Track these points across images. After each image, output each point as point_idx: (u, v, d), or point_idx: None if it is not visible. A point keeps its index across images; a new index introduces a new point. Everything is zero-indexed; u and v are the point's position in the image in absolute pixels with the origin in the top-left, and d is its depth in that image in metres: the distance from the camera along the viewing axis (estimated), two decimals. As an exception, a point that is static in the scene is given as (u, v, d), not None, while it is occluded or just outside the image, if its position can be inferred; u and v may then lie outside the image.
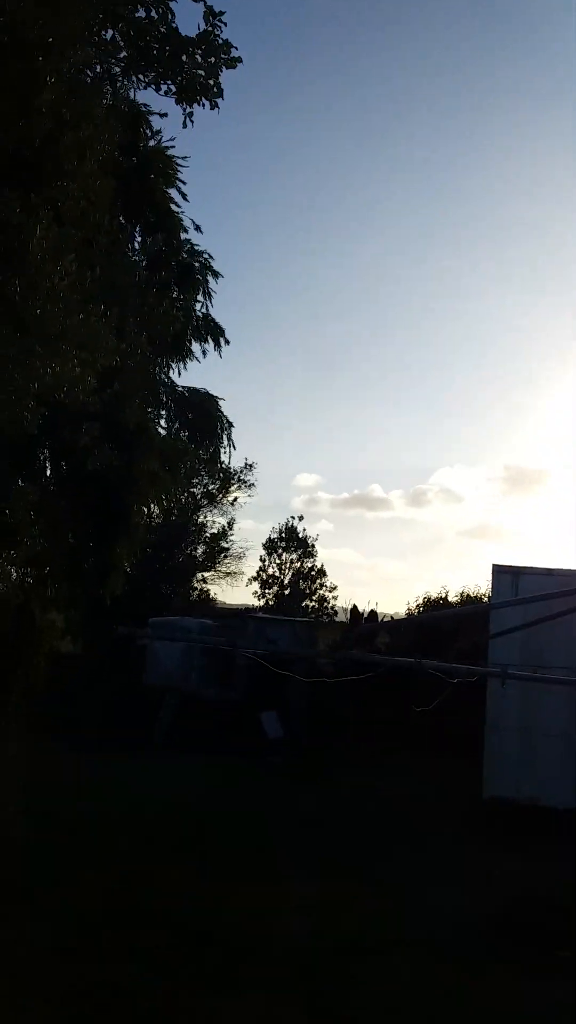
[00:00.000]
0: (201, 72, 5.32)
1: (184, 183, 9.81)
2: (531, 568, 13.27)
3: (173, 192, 9.78)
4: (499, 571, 13.31)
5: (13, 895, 8.24)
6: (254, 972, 6.89)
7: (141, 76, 5.52)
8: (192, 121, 5.55)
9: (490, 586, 14.26)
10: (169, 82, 5.36)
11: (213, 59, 5.29)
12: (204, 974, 6.76)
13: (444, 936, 7.95)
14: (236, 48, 5.59)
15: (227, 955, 7.20)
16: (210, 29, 5.55)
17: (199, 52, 5.27)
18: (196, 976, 6.71)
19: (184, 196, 9.83)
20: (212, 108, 5.43)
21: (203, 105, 5.50)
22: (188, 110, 5.51)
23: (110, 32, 6.70)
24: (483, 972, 7.21)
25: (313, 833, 11.59)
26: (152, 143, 9.61)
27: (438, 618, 18.86)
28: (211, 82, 5.33)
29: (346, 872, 9.83)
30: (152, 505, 9.45)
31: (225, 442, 10.74)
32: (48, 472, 9.02)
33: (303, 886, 9.23)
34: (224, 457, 10.90)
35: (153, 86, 5.47)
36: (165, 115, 9.22)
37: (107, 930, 7.57)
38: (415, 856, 10.74)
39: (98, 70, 7.99)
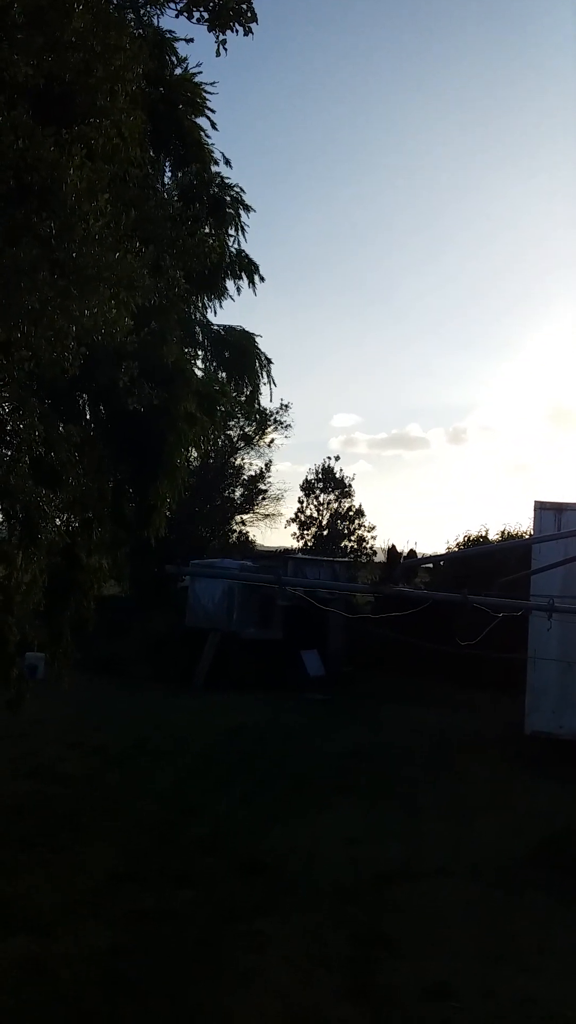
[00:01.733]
0: (232, -5, 5.14)
1: (213, 111, 9.51)
2: (574, 504, 13.14)
3: (203, 122, 9.49)
4: (541, 507, 13.19)
5: (68, 825, 8.55)
6: (300, 898, 7.10)
7: (172, 4, 5.35)
8: (226, 49, 5.37)
9: (531, 523, 14.15)
10: (201, 8, 5.18)
11: (245, -20, 5.10)
12: (252, 901, 6.98)
13: (486, 865, 8.12)
14: (270, -33, 5.37)
15: (274, 882, 7.42)
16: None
17: (231, -26, 5.08)
18: (244, 902, 6.94)
19: (214, 125, 9.52)
20: (246, 34, 5.25)
21: (236, 31, 5.32)
22: (221, 37, 5.33)
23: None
24: (523, 900, 7.36)
25: (356, 764, 11.80)
26: (179, 71, 9.32)
27: (479, 554, 18.80)
28: (244, 6, 5.15)
29: (389, 803, 10.03)
30: (192, 447, 9.41)
31: (264, 379, 10.59)
32: (88, 414, 9.02)
33: (347, 816, 9.45)
34: (264, 396, 10.73)
35: (185, 14, 5.29)
36: (191, 40, 8.88)
37: (158, 858, 7.84)
38: (457, 787, 10.90)
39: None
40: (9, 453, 7.07)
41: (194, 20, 5.31)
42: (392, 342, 74.63)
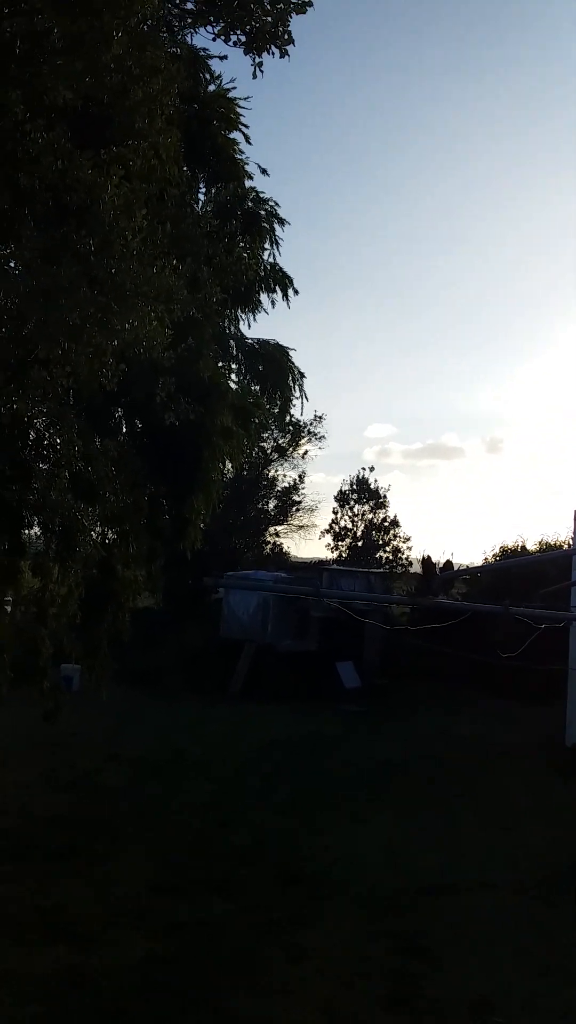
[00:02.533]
0: (269, 19, 5.20)
1: (247, 127, 9.63)
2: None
3: (237, 136, 9.60)
4: (579, 516, 13.09)
5: (106, 836, 8.62)
6: (339, 910, 7.09)
7: (209, 28, 5.42)
8: (262, 71, 5.44)
9: (571, 533, 14.03)
10: (238, 31, 5.25)
11: (282, 4, 5.15)
12: (290, 912, 6.98)
13: (528, 876, 8.04)
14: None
15: (313, 893, 7.41)
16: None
17: (267, -2, 5.15)
18: (283, 913, 6.94)
19: (248, 140, 9.63)
20: (282, 56, 5.31)
21: (272, 54, 5.39)
22: (257, 60, 5.41)
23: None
24: (566, 912, 7.27)
25: (393, 775, 11.75)
26: (212, 88, 9.44)
27: (518, 564, 18.65)
28: (280, 29, 5.21)
29: (427, 813, 9.96)
30: (226, 460, 9.48)
31: (297, 393, 10.65)
32: (124, 429, 9.14)
33: (385, 826, 9.41)
34: (296, 408, 10.79)
35: (222, 37, 5.36)
36: (225, 58, 9.02)
37: (197, 869, 7.86)
38: (497, 798, 10.81)
39: (157, 16, 7.90)
40: (47, 468, 7.20)
41: (231, 43, 5.38)
42: (428, 353, 74.65)
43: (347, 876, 7.86)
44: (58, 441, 6.99)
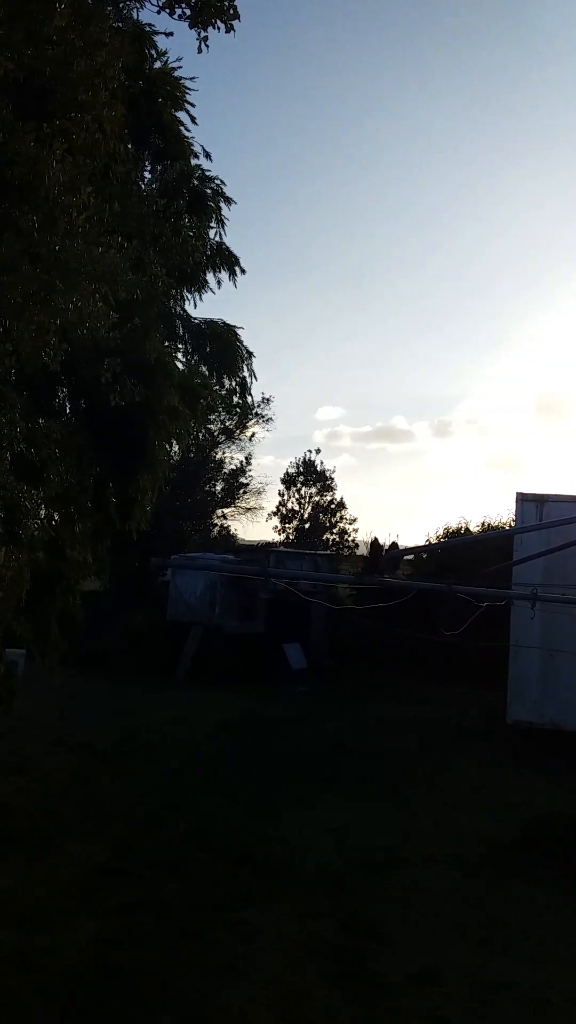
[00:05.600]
0: (213, -8, 5.14)
1: (193, 106, 9.50)
2: (555, 496, 13.26)
3: (182, 116, 9.48)
4: (523, 499, 13.31)
5: (54, 821, 8.55)
6: (287, 889, 7.16)
7: (154, 1, 5.33)
8: (207, 46, 5.37)
9: (513, 515, 14.27)
10: (183, 5, 5.16)
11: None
12: (239, 892, 7.02)
13: (470, 852, 8.21)
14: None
15: (261, 873, 7.46)
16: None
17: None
18: (232, 893, 6.99)
19: (193, 120, 9.51)
20: (228, 31, 5.25)
21: (218, 28, 5.31)
22: (203, 34, 5.33)
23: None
24: (507, 886, 7.46)
25: (341, 757, 11.88)
26: (158, 64, 9.30)
27: (462, 544, 18.92)
28: (226, 3, 5.14)
29: (374, 794, 10.10)
30: (173, 441, 9.40)
31: (246, 372, 10.59)
32: (68, 409, 9.00)
33: (333, 807, 9.52)
34: (250, 387, 10.73)
35: (167, 10, 5.27)
36: (171, 34, 8.87)
37: (146, 852, 7.86)
38: (441, 777, 11.00)
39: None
40: (-11, 449, 7.05)
41: (175, 16, 5.30)
42: (378, 335, 74.90)
43: (295, 856, 7.93)
44: (1, 421, 6.85)
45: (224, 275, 10.28)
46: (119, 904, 6.64)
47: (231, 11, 5.22)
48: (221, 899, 6.85)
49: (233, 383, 10.53)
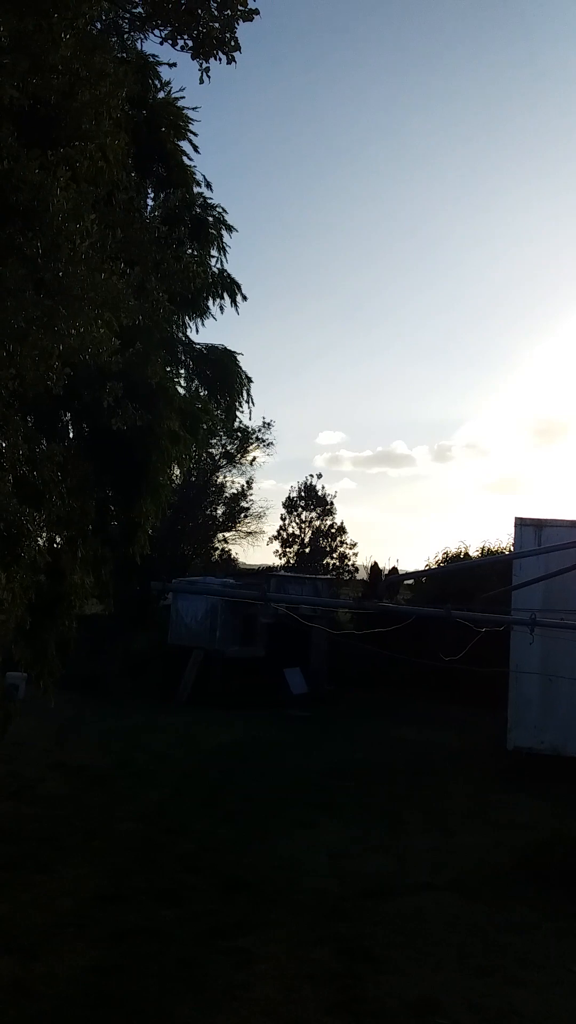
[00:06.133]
0: (216, 25, 5.24)
1: (195, 135, 9.70)
2: (554, 520, 13.28)
3: (185, 145, 9.67)
4: (521, 523, 13.33)
5: (51, 846, 8.51)
6: (284, 915, 7.10)
7: (157, 32, 5.44)
8: (209, 77, 5.46)
9: (512, 539, 14.28)
10: (185, 36, 5.28)
11: (229, 11, 5.20)
12: (235, 918, 6.97)
13: (468, 878, 8.16)
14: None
15: (257, 899, 7.41)
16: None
17: (215, 4, 5.17)
18: (228, 919, 6.93)
19: (196, 148, 9.71)
20: (229, 63, 5.35)
21: (220, 60, 5.43)
22: (204, 65, 5.43)
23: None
24: (506, 912, 7.40)
25: (339, 781, 11.81)
26: (161, 95, 9.49)
27: (461, 570, 18.92)
28: (227, 35, 5.25)
29: (373, 818, 10.05)
30: (174, 465, 9.47)
31: (244, 397, 10.70)
32: (71, 433, 9.07)
33: (330, 832, 9.46)
34: (243, 413, 10.85)
35: (169, 41, 5.39)
36: (174, 65, 9.10)
37: (142, 877, 7.81)
38: (440, 802, 10.94)
39: (106, 20, 7.91)
40: (-8, 471, 7.10)
41: (178, 48, 5.41)
42: (379, 360, 75.10)
43: (292, 881, 7.88)
44: (3, 444, 6.91)
45: (225, 301, 10.44)
46: (116, 931, 6.60)
47: (232, 43, 5.33)
48: (218, 925, 6.80)
49: (234, 407, 10.63)
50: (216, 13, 5.31)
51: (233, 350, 10.79)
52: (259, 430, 28.37)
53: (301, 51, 61.95)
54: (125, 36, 8.52)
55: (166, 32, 5.41)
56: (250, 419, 11.67)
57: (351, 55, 63.64)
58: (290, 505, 31.00)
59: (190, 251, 9.12)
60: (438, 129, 70.09)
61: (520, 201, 77.08)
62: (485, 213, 75.85)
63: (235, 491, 29.08)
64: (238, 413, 11.04)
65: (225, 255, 10.22)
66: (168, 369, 9.50)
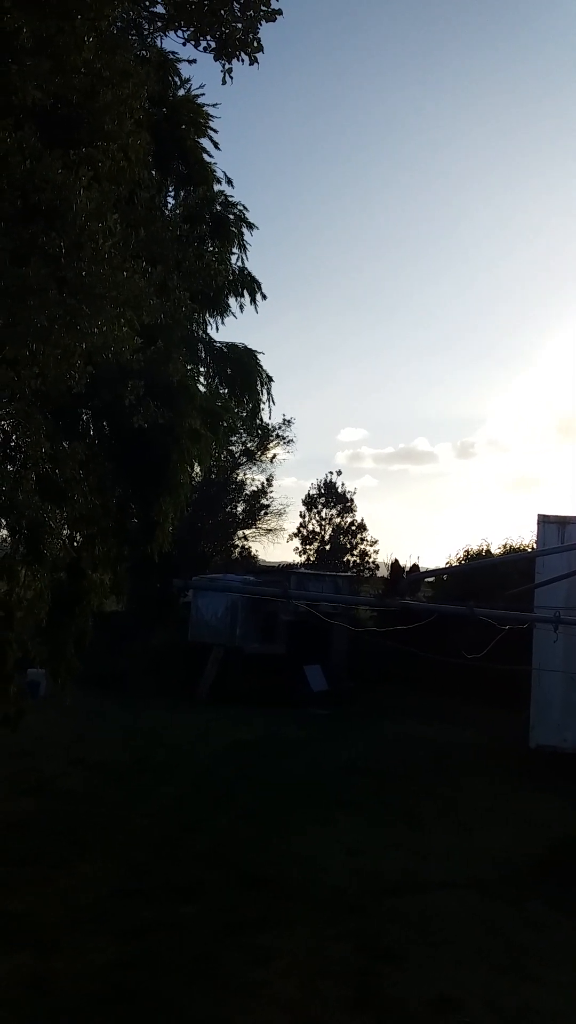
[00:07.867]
0: (239, 26, 5.23)
1: (216, 132, 9.70)
2: (577, 517, 13.21)
3: (205, 142, 9.67)
4: (545, 521, 13.25)
5: (70, 841, 8.57)
6: (302, 911, 7.12)
7: (180, 33, 5.44)
8: (231, 77, 5.46)
9: (534, 537, 14.21)
10: (208, 37, 5.27)
11: (252, 12, 5.18)
12: (254, 914, 7.00)
13: (489, 876, 8.14)
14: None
15: (276, 896, 7.43)
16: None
17: (237, 4, 5.17)
18: (247, 915, 6.96)
19: (216, 145, 9.71)
20: (252, 63, 5.35)
21: (242, 61, 5.42)
22: (227, 66, 5.43)
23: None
24: (526, 910, 7.38)
25: (359, 778, 11.81)
26: (181, 92, 9.49)
27: (483, 567, 18.84)
28: (249, 36, 5.24)
29: (392, 815, 10.03)
30: (195, 463, 9.48)
31: (265, 397, 10.69)
32: (92, 431, 9.11)
33: (349, 829, 9.46)
34: (264, 412, 10.85)
35: (192, 42, 5.38)
36: (194, 62, 9.09)
37: (161, 873, 7.85)
38: (460, 800, 10.91)
39: (126, 18, 7.92)
40: (14, 469, 7.15)
41: (201, 48, 5.40)
42: (400, 356, 74.58)
43: (310, 878, 7.89)
44: (25, 442, 6.95)
45: (246, 299, 10.43)
46: (134, 927, 6.64)
47: (255, 43, 5.32)
48: (236, 922, 6.83)
49: (252, 406, 10.63)
50: (239, 14, 5.30)
51: (254, 349, 10.79)
52: (279, 427, 28.38)
53: (318, 46, 61.75)
54: (146, 34, 8.53)
55: (188, 33, 5.41)
56: (270, 417, 11.67)
57: (368, 50, 63.35)
58: (310, 502, 30.98)
59: (211, 249, 9.11)
60: (462, 116, 69.61)
61: (543, 190, 76.42)
62: (506, 207, 75.30)
63: (255, 488, 29.11)
64: (259, 411, 11.04)
65: (246, 253, 10.22)
66: (189, 367, 9.51)
